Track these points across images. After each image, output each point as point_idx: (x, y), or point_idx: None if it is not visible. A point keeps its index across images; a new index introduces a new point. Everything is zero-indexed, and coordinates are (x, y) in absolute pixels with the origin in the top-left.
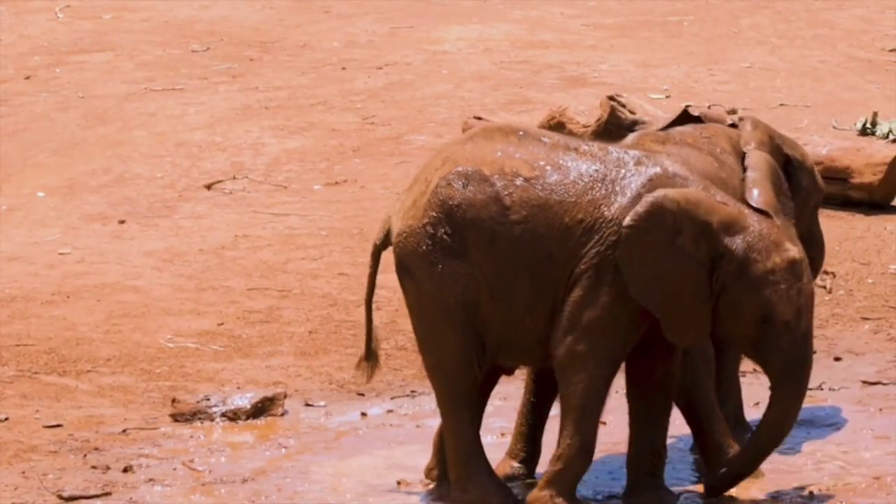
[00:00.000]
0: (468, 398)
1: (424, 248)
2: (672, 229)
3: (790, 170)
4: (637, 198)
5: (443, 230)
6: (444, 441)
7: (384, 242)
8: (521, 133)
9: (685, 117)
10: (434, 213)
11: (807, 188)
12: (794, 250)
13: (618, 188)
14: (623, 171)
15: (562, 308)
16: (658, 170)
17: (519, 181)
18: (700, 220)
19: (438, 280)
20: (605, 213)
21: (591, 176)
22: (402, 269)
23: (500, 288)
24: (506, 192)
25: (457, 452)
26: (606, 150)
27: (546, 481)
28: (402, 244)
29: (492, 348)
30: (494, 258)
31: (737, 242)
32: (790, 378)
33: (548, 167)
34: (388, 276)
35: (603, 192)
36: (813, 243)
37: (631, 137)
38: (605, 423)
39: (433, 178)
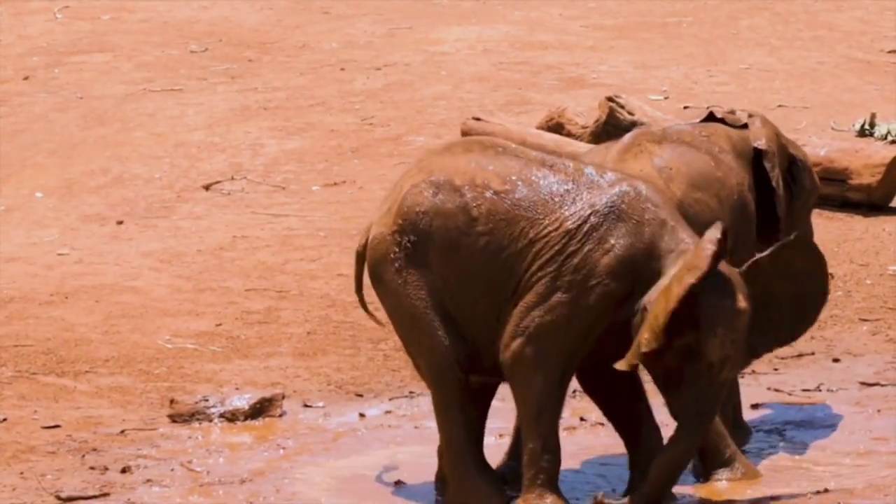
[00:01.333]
0: (457, 398)
1: (392, 254)
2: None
3: (794, 171)
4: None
5: (407, 238)
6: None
7: (365, 249)
8: (500, 148)
9: (710, 120)
10: (401, 221)
11: (808, 189)
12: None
13: (587, 206)
14: (594, 190)
15: (511, 314)
16: (630, 191)
17: (489, 193)
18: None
19: (405, 287)
20: (570, 227)
21: (560, 194)
22: (374, 277)
23: (460, 297)
24: (474, 204)
25: (449, 452)
26: (581, 170)
27: (524, 488)
28: (373, 251)
29: (464, 354)
30: (455, 268)
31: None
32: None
33: (519, 182)
34: None
35: (571, 210)
36: None
37: (629, 136)
38: (603, 425)
39: (404, 186)
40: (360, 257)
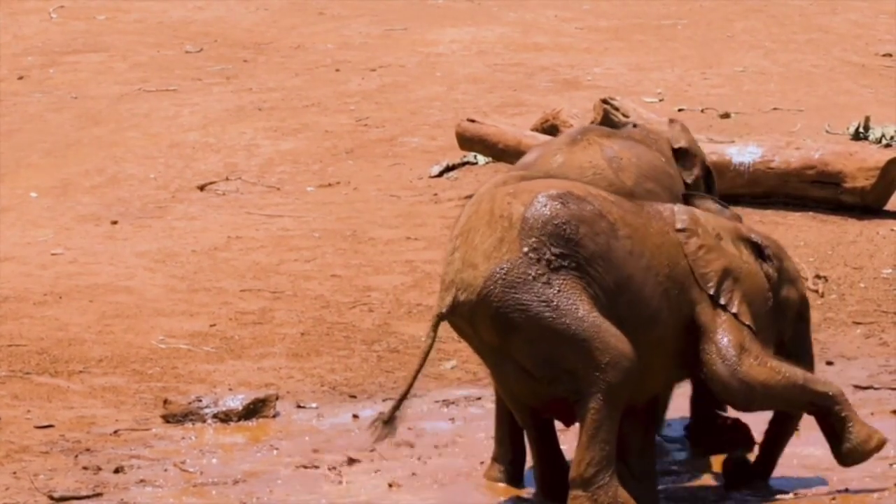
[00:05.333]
0: (622, 405)
1: (533, 273)
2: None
3: (710, 182)
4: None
5: (549, 252)
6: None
7: (452, 310)
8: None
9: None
10: (534, 238)
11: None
12: None
13: (662, 218)
14: (648, 207)
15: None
16: (673, 205)
17: (610, 202)
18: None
19: (559, 296)
20: (674, 236)
21: (641, 207)
22: (509, 307)
23: (622, 305)
24: (606, 210)
25: (597, 459)
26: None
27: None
28: (504, 280)
29: None
30: (611, 272)
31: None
32: None
33: (615, 195)
34: (381, 278)
35: (659, 221)
36: None
37: (575, 130)
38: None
39: (513, 211)
40: (440, 321)
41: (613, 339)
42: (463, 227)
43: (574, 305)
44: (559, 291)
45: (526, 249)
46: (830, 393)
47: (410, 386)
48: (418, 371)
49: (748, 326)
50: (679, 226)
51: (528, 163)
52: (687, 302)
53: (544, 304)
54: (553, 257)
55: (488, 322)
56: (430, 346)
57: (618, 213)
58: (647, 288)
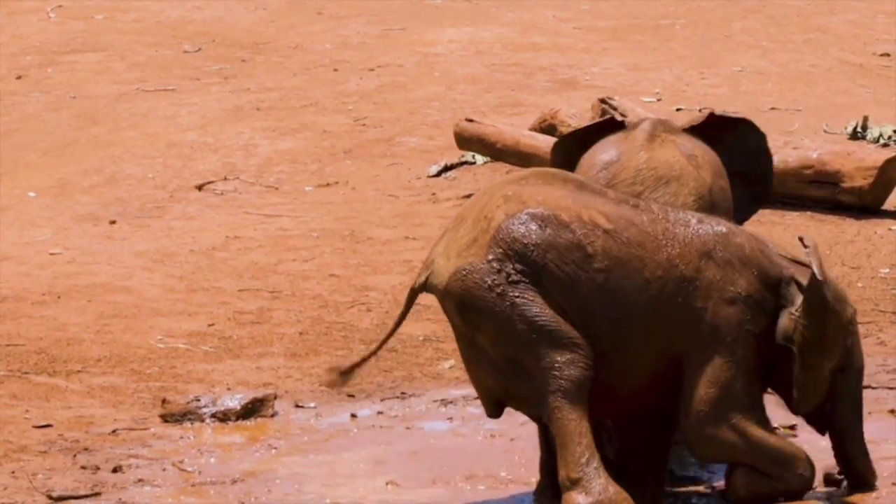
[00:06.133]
0: (585, 401)
1: (490, 282)
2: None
3: None
4: (706, 253)
5: (511, 267)
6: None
7: (424, 286)
8: (578, 181)
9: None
10: (501, 250)
11: None
12: None
13: (688, 246)
14: (688, 229)
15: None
16: (724, 228)
17: (599, 231)
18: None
19: (513, 308)
20: (683, 271)
21: (661, 234)
22: (467, 307)
23: (580, 330)
24: (587, 241)
25: (577, 455)
26: (666, 210)
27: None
28: (463, 281)
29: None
30: (574, 302)
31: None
32: None
33: (622, 221)
34: (379, 278)
35: (677, 250)
36: None
37: (647, 125)
38: None
39: (495, 216)
40: (414, 295)
41: (567, 341)
42: (461, 212)
43: (524, 313)
44: (511, 304)
45: (491, 257)
46: (788, 475)
47: (380, 346)
48: (389, 335)
49: (740, 376)
50: (805, 259)
51: (610, 160)
52: (674, 339)
53: (498, 310)
54: (513, 272)
55: (454, 313)
56: (403, 316)
57: (602, 244)
58: (619, 321)
